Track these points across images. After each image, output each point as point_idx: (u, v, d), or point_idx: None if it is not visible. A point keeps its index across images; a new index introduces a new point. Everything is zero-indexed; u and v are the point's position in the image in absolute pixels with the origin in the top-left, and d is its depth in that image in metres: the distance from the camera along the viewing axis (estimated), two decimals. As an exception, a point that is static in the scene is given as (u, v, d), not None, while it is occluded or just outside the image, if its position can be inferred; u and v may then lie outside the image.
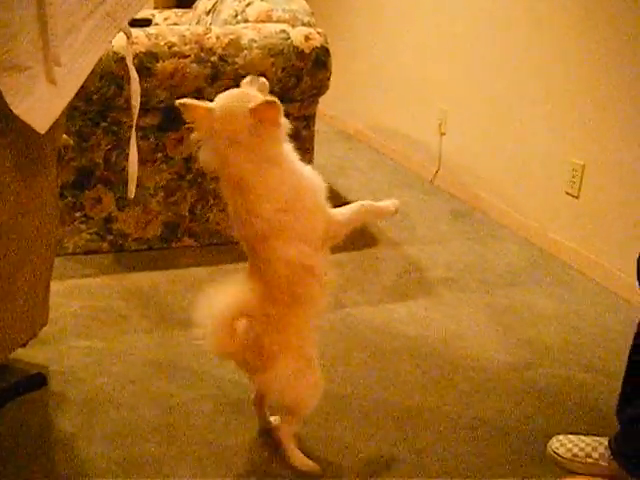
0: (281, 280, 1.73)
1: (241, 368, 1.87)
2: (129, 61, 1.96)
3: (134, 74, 1.94)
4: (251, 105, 1.62)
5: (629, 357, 1.91)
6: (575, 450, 1.99)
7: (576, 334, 2.73)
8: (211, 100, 1.72)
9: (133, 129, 2.01)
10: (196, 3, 4.55)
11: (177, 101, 1.66)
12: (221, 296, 1.70)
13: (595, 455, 1.96)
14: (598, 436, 2.01)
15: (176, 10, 4.90)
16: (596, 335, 2.73)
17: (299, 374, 1.82)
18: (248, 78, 1.79)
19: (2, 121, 1.73)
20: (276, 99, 1.62)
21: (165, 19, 4.70)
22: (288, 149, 1.73)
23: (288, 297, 1.75)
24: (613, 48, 3.07)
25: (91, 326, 2.60)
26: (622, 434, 1.91)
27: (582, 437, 2.02)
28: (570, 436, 2.03)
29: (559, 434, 2.06)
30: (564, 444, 2.01)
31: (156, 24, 4.47)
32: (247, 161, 1.66)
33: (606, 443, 1.95)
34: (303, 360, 1.83)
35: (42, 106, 1.69)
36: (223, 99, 1.70)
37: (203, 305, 1.69)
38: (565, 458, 1.99)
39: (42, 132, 1.72)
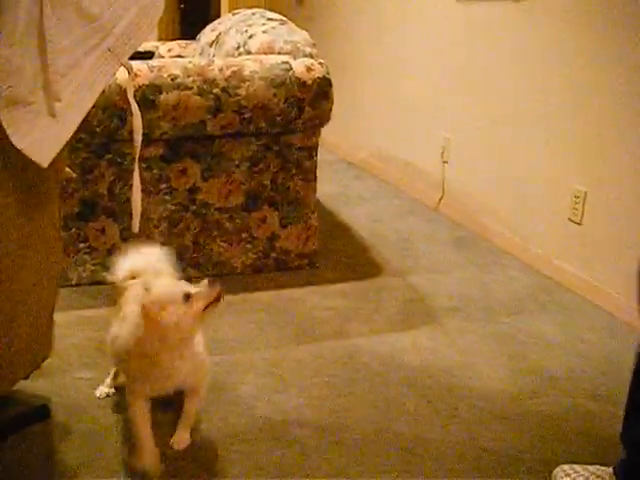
0: None
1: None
2: (130, 96, 1.98)
3: (136, 110, 1.96)
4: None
5: (633, 375, 1.90)
6: (580, 480, 1.98)
7: (581, 361, 2.72)
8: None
9: (136, 167, 2.02)
10: (200, 35, 4.60)
11: None
12: None
13: (600, 485, 1.94)
14: (603, 465, 1.99)
15: (180, 42, 4.96)
16: (601, 362, 2.72)
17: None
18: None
19: (4, 155, 1.75)
20: None
21: (169, 50, 4.76)
22: None
23: None
24: (616, 76, 3.09)
25: (95, 358, 2.59)
26: (627, 458, 1.89)
27: (587, 467, 2.00)
28: (575, 466, 2.02)
29: (564, 463, 2.05)
30: (569, 474, 1.99)
31: (160, 56, 4.52)
32: None
33: (611, 472, 1.94)
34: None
35: (44, 140, 1.71)
36: None
37: None
38: (570, 488, 1.98)
39: (44, 166, 1.74)
